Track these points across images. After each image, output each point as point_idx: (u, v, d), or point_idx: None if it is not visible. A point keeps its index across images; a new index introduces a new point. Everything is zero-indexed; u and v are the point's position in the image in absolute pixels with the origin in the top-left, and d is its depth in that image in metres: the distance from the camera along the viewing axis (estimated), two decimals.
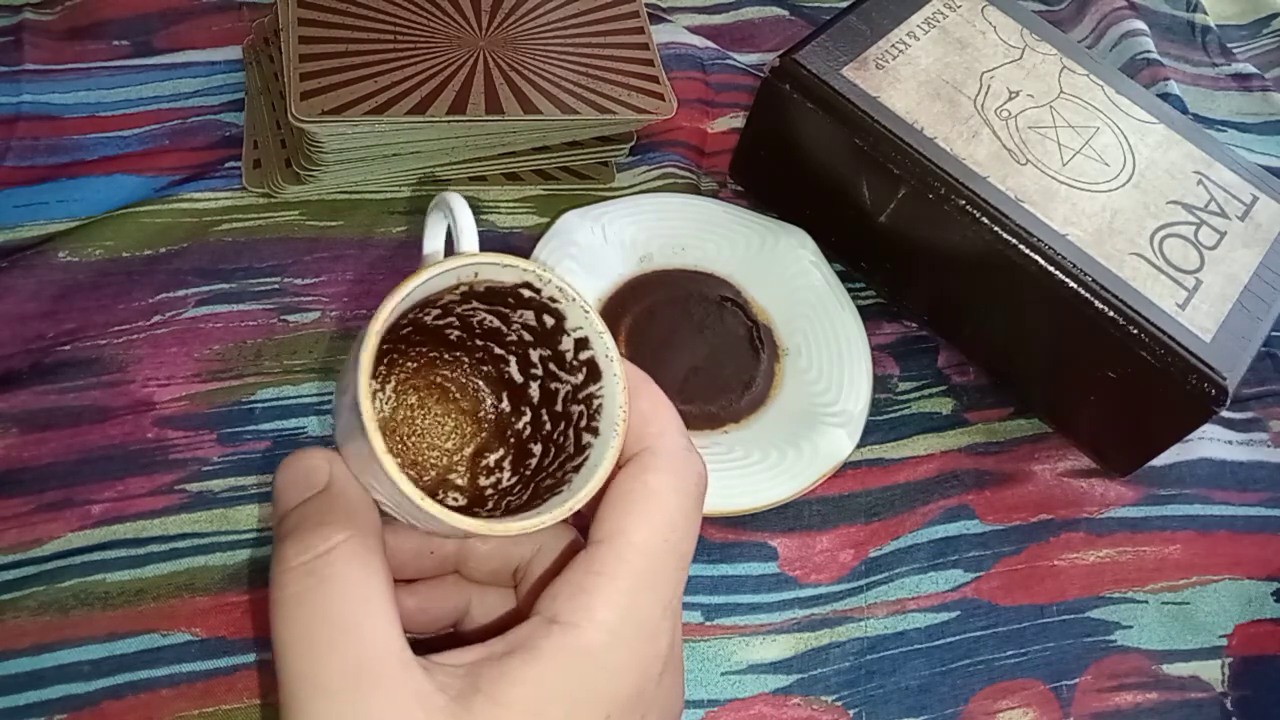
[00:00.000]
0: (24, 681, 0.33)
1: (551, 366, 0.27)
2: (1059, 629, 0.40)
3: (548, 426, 0.28)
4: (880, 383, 0.45)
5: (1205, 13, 0.68)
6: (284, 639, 0.21)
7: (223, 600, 0.36)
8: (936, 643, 0.39)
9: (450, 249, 0.26)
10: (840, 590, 0.40)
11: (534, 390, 0.28)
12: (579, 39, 0.49)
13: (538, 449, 0.28)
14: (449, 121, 0.43)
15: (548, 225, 0.44)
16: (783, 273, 0.46)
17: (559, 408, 0.27)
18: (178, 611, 0.35)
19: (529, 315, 0.27)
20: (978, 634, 0.40)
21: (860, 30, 0.45)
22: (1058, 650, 0.40)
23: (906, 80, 0.44)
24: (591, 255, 0.44)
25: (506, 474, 0.29)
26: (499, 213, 0.47)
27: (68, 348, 0.40)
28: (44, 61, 0.48)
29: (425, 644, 0.24)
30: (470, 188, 0.47)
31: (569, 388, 0.27)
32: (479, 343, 0.29)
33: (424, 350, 0.29)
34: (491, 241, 0.46)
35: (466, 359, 0.29)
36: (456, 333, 0.28)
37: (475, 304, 0.27)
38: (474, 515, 0.23)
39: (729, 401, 0.43)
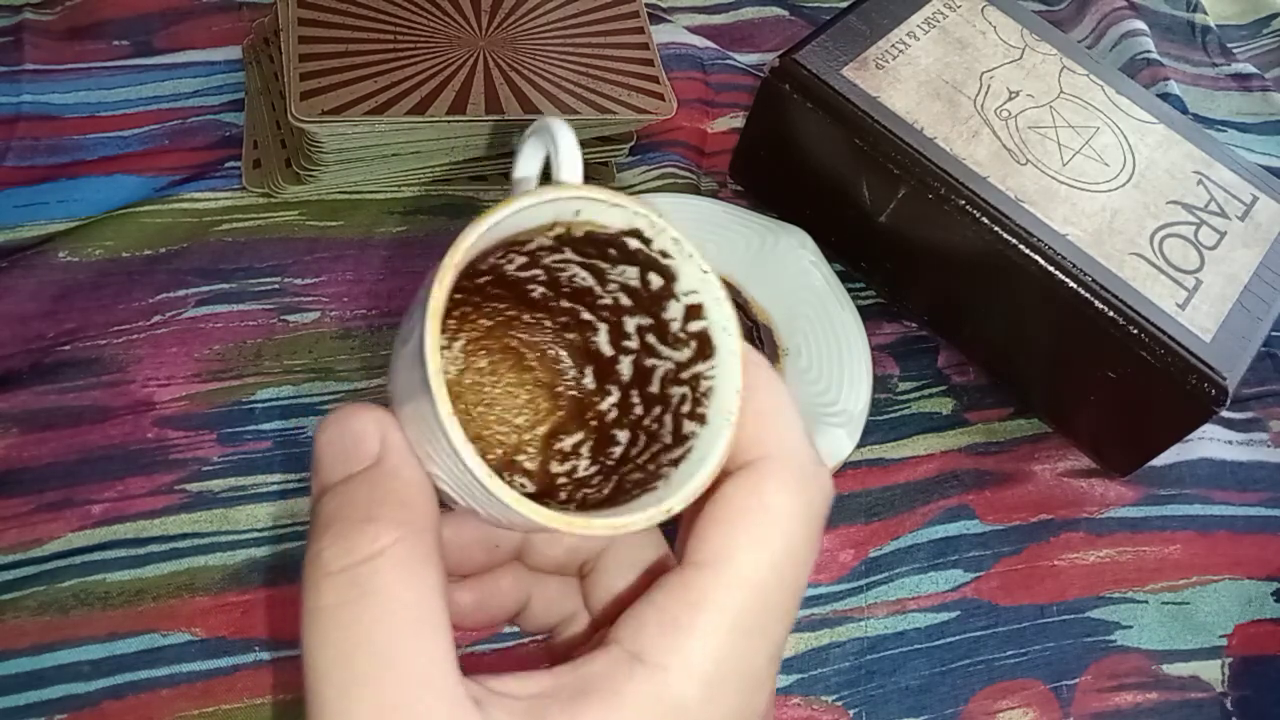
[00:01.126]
0: (24, 681, 0.33)
1: (650, 339, 0.23)
2: (1059, 629, 0.40)
3: (638, 410, 0.24)
4: (880, 383, 0.45)
5: (1205, 13, 0.68)
6: (316, 661, 0.18)
7: (223, 600, 0.36)
8: (936, 643, 0.39)
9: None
10: (840, 590, 0.40)
11: (624, 366, 0.24)
12: (579, 39, 0.49)
13: (624, 436, 0.24)
14: (449, 121, 0.43)
15: None
16: (783, 273, 0.46)
17: (654, 388, 0.23)
18: (178, 611, 0.35)
19: (631, 273, 0.22)
20: (978, 634, 0.40)
21: (860, 30, 0.45)
22: (1058, 650, 0.40)
23: (906, 80, 0.44)
24: None
25: (584, 462, 0.25)
26: None
27: (68, 348, 0.40)
28: (44, 61, 0.48)
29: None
30: (470, 188, 0.47)
31: (670, 365, 0.23)
32: (565, 304, 0.24)
33: (500, 307, 0.25)
34: None
35: (549, 322, 0.25)
36: (540, 289, 0.24)
37: (568, 253, 0.22)
38: (544, 505, 0.19)
39: None
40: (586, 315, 0.24)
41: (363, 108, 0.42)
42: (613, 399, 0.24)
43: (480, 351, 0.25)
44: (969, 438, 0.45)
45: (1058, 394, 0.44)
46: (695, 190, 0.50)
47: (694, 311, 0.22)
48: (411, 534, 0.19)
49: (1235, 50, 0.67)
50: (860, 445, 0.41)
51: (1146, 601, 0.42)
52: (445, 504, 0.21)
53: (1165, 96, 0.59)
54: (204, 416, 0.39)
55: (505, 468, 0.25)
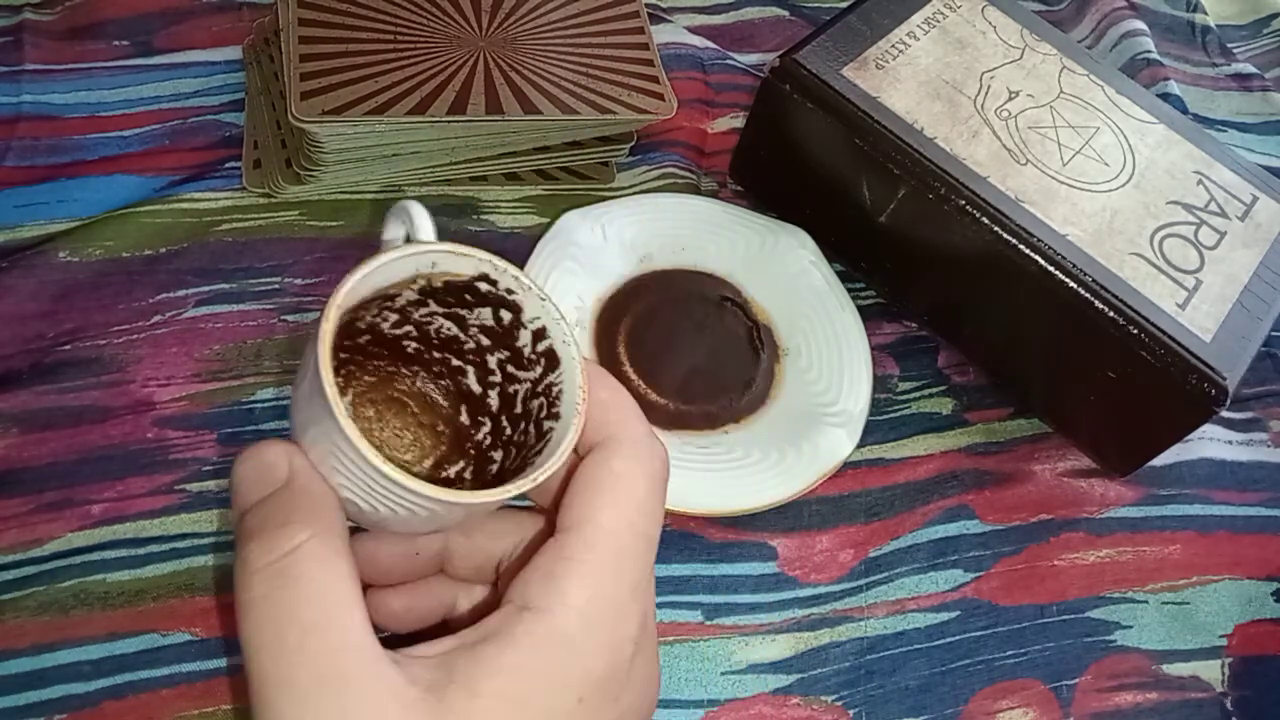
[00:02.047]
0: (24, 681, 0.33)
1: (510, 369, 0.28)
2: (1059, 629, 0.40)
3: (508, 431, 0.28)
4: (880, 383, 0.45)
5: (1205, 13, 0.68)
6: (253, 643, 0.22)
7: (223, 600, 0.36)
8: (936, 643, 0.39)
9: None
10: (840, 590, 0.40)
11: (493, 398, 0.29)
12: (579, 39, 0.49)
13: (498, 455, 0.28)
14: (449, 121, 0.43)
15: (548, 225, 0.44)
16: (783, 273, 0.46)
17: (518, 409, 0.28)
18: (178, 611, 0.35)
19: (485, 314, 0.27)
20: (978, 634, 0.40)
21: (860, 30, 0.45)
22: (1058, 650, 0.40)
23: (906, 80, 0.44)
24: (591, 255, 0.44)
25: (467, 485, 0.29)
26: (499, 213, 0.47)
27: (68, 348, 0.40)
28: (44, 61, 0.48)
29: (411, 639, 0.24)
30: (470, 188, 0.47)
31: (528, 385, 0.27)
32: (436, 354, 0.29)
33: (381, 364, 0.29)
34: (492, 241, 0.46)
35: (424, 372, 0.29)
36: (414, 344, 0.29)
37: (433, 307, 0.27)
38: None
39: (729, 401, 0.43)
40: (456, 361, 0.29)
41: (363, 108, 0.42)
42: (486, 428, 0.29)
43: (367, 403, 0.29)
44: (969, 438, 0.45)
45: (1058, 394, 0.44)
46: (695, 190, 0.50)
47: (539, 334, 0.27)
48: (322, 531, 0.23)
49: (1235, 50, 0.67)
50: (860, 445, 0.41)
51: (1146, 601, 0.42)
52: (358, 525, 0.25)
53: (1165, 96, 0.59)
54: (204, 416, 0.39)
55: None
